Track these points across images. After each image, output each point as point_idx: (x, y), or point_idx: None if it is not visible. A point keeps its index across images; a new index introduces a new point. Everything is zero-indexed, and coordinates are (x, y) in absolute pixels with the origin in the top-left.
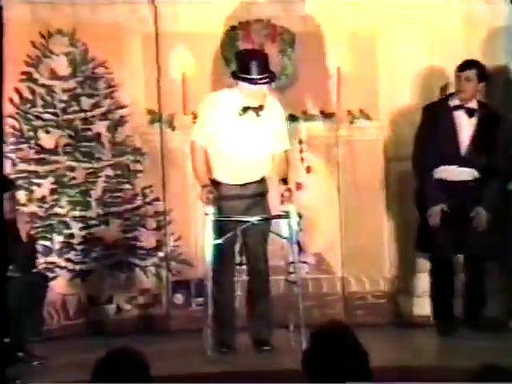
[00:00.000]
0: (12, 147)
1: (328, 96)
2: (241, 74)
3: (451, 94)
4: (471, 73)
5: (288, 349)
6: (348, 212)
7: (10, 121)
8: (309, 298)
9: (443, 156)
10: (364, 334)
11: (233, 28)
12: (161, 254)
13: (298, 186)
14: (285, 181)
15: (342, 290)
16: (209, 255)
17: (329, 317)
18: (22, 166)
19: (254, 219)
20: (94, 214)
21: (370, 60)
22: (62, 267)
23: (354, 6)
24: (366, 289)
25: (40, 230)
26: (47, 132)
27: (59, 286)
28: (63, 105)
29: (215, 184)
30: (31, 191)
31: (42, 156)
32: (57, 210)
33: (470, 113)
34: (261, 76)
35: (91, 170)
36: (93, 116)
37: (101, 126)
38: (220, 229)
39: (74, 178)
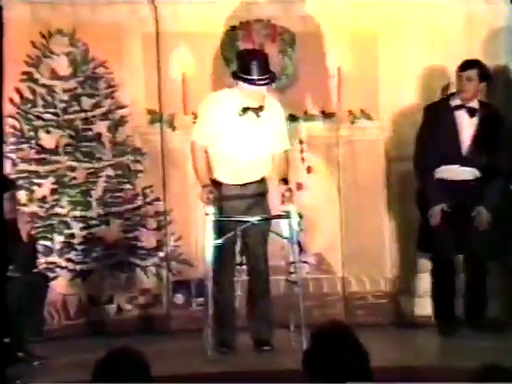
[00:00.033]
0: (13, 147)
1: (328, 96)
2: (241, 74)
3: (452, 94)
4: (472, 72)
5: (288, 349)
6: (348, 212)
7: (10, 121)
8: (309, 297)
9: (444, 156)
10: (364, 334)
11: (233, 28)
12: (161, 254)
13: (299, 186)
14: (285, 181)
15: (343, 290)
16: (209, 255)
17: (329, 317)
18: (23, 166)
19: (255, 219)
20: (94, 213)
21: (370, 60)
22: (62, 267)
23: (355, 5)
24: (367, 289)
25: (41, 229)
26: (48, 132)
27: (60, 285)
28: (64, 105)
29: (216, 184)
30: (32, 191)
31: (42, 156)
32: (57, 209)
33: (472, 112)
34: (260, 77)
35: (92, 170)
36: (93, 116)
37: (101, 126)
38: (220, 229)
39: (74, 178)
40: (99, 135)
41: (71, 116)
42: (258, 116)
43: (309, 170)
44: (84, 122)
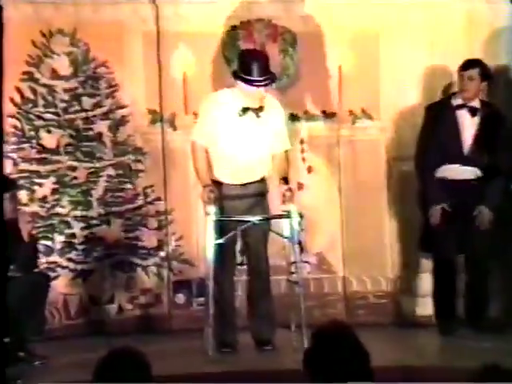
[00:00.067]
0: (14, 147)
1: (329, 96)
2: (241, 74)
3: (453, 94)
4: (474, 72)
5: (290, 349)
6: (349, 212)
7: (11, 120)
8: (310, 297)
9: (446, 155)
10: (365, 333)
11: (234, 28)
12: (162, 254)
13: (300, 186)
14: (286, 180)
15: (344, 290)
16: (210, 255)
17: (330, 317)
18: (24, 166)
19: (256, 219)
20: (95, 213)
21: (371, 60)
22: (63, 267)
23: (356, 5)
24: (368, 289)
25: (41, 229)
26: (49, 132)
27: (61, 285)
28: (64, 104)
29: (216, 184)
30: (33, 191)
31: (43, 156)
32: (58, 209)
33: (473, 112)
34: (260, 78)
35: (92, 170)
36: (94, 116)
37: (102, 126)
38: (221, 228)
39: (75, 178)
40: (100, 135)
41: (72, 116)
42: (257, 116)
43: (309, 169)
44: (85, 122)
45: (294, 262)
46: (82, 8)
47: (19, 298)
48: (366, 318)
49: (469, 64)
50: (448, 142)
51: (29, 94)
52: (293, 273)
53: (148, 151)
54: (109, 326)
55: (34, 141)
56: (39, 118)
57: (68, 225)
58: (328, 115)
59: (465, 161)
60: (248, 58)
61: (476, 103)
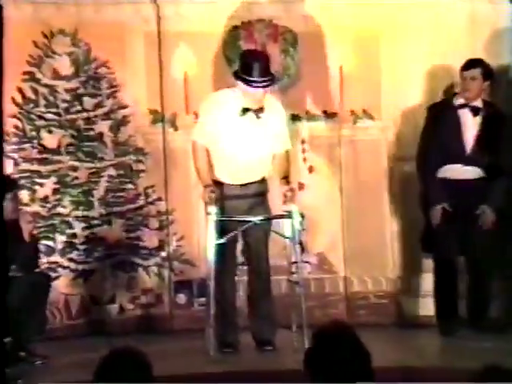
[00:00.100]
0: (15, 147)
1: (330, 96)
2: (241, 74)
3: (455, 94)
4: (476, 72)
5: (290, 349)
6: (350, 212)
7: (12, 121)
8: (311, 297)
9: (448, 155)
10: (366, 334)
11: (235, 28)
12: (163, 254)
13: (301, 186)
14: (287, 180)
15: (345, 290)
16: (211, 255)
17: (331, 317)
18: (25, 166)
19: (257, 219)
20: (96, 213)
21: (372, 60)
22: (64, 267)
23: (357, 5)
24: (369, 289)
25: (43, 229)
26: (50, 132)
27: (62, 285)
28: (66, 105)
29: (217, 184)
30: (34, 191)
31: (44, 156)
32: (59, 209)
33: (475, 111)
34: (259, 79)
35: (94, 170)
36: (95, 116)
37: (103, 126)
38: (222, 229)
39: (76, 178)
40: (101, 135)
41: (73, 116)
42: (257, 117)
43: (311, 169)
44: (86, 122)
45: (295, 262)
46: (83, 8)
47: (20, 298)
48: (366, 318)
49: (471, 64)
50: (450, 141)
51: (30, 94)
52: (294, 273)
53: (149, 151)
54: (110, 326)
55: (35, 141)
56: (40, 118)
57: (69, 225)
58: (329, 115)
59: (467, 161)
60: (248, 58)
61: (478, 103)
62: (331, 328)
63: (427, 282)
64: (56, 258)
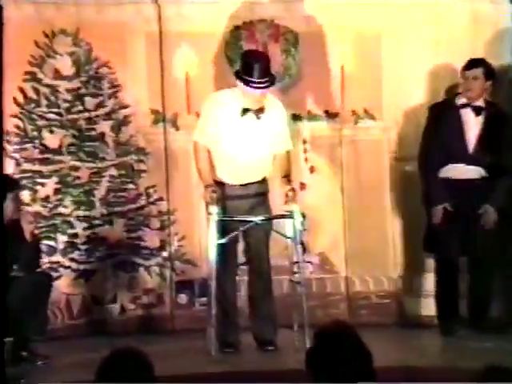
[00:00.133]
0: (16, 147)
1: (332, 96)
2: (241, 74)
3: (457, 94)
4: (478, 71)
5: (292, 349)
6: (352, 212)
7: (14, 120)
8: (313, 297)
9: (450, 155)
10: (368, 334)
11: (236, 28)
12: (165, 254)
13: (302, 186)
14: (288, 180)
15: (346, 290)
16: (212, 255)
17: (333, 317)
18: (26, 166)
19: (258, 219)
20: (97, 213)
21: (374, 59)
22: (65, 267)
23: (358, 5)
24: (370, 289)
25: (44, 229)
26: (51, 132)
27: (63, 285)
28: (67, 104)
29: (218, 184)
30: (35, 191)
31: (46, 156)
32: (61, 209)
33: (477, 111)
34: (259, 80)
35: (95, 170)
36: (97, 116)
37: (105, 126)
38: (224, 229)
39: (77, 178)
40: (102, 135)
41: (75, 116)
42: (258, 118)
43: (312, 169)
44: (87, 122)
45: (297, 262)
46: (84, 8)
47: (22, 298)
48: (368, 318)
49: (473, 63)
50: (452, 141)
51: (32, 94)
52: (295, 273)
53: (150, 151)
54: (111, 325)
55: (36, 141)
56: (42, 118)
57: (70, 225)
58: (330, 115)
59: (469, 160)
60: (249, 59)
61: (480, 103)
62: (333, 328)
63: (429, 281)
64: (57, 257)
